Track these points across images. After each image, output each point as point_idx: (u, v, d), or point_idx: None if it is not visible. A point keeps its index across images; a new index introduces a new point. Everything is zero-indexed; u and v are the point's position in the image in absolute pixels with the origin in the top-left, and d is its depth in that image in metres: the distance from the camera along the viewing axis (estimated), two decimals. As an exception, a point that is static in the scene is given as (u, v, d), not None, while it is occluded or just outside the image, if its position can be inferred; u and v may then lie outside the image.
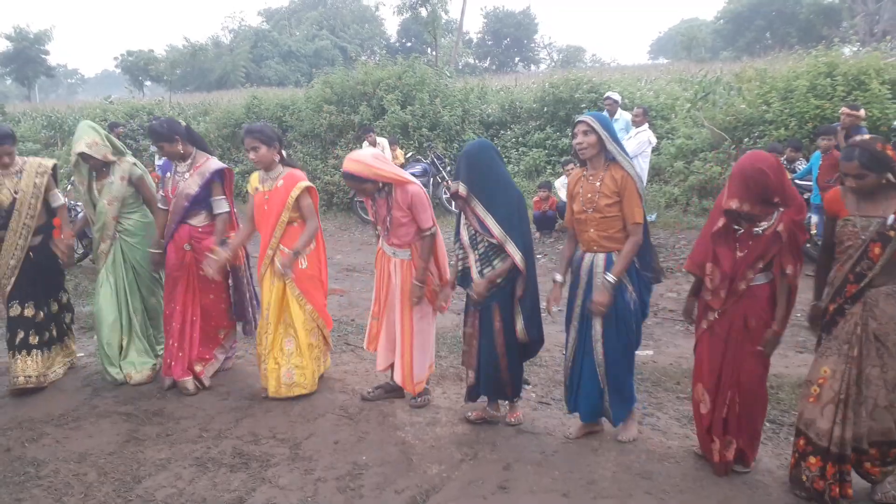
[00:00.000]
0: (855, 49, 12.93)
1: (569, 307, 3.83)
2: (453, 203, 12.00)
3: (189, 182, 4.45)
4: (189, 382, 4.52)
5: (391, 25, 57.15)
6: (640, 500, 3.23)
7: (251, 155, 4.23)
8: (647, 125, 8.78)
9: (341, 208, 12.51)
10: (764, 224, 3.20)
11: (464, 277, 4.01)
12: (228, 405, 4.35)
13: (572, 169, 9.53)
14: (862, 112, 7.26)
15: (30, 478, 3.52)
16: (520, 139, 12.99)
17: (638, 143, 8.37)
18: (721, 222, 3.25)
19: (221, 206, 4.50)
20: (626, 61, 48.15)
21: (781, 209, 3.18)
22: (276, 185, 4.22)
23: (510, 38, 52.06)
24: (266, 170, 4.30)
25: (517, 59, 52.77)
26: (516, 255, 3.73)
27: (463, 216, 3.96)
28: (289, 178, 4.21)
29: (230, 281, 4.70)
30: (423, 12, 22.04)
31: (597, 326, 3.64)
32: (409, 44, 49.50)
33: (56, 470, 3.59)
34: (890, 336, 3.00)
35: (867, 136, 3.21)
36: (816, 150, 7.09)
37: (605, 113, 9.43)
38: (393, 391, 4.44)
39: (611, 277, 3.53)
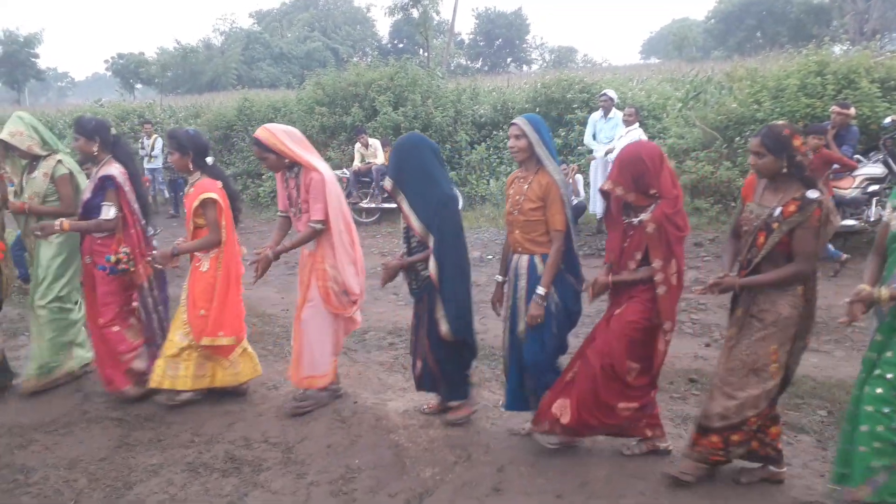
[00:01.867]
0: (845, 48, 12.97)
1: (504, 305, 3.88)
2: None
3: (86, 188, 4.42)
4: (130, 390, 4.42)
5: (383, 27, 57.24)
6: (634, 500, 3.23)
7: (168, 159, 4.23)
8: (637, 124, 8.79)
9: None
10: (642, 215, 3.32)
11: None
12: (220, 410, 4.32)
13: (566, 169, 9.55)
14: (852, 110, 7.29)
15: (19, 485, 3.49)
16: (512, 139, 12.97)
17: (629, 142, 8.38)
18: (606, 206, 3.39)
19: (107, 212, 4.32)
20: (617, 61, 48.28)
21: (659, 202, 3.29)
22: (189, 191, 4.30)
23: (502, 39, 52.13)
24: (186, 175, 4.36)
25: (509, 59, 52.86)
26: (431, 255, 3.79)
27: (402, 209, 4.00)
28: (198, 186, 4.23)
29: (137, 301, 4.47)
30: (415, 13, 22.05)
31: (520, 326, 3.70)
32: (400, 45, 49.49)
33: (46, 477, 3.56)
34: (766, 319, 3.10)
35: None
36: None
37: (600, 110, 9.47)
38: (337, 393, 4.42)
39: (541, 290, 3.56)
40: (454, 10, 26.98)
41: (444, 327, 3.85)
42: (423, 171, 3.87)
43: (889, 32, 37.54)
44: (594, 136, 9.61)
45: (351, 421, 4.11)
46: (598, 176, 9.19)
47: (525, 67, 50.82)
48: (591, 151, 9.79)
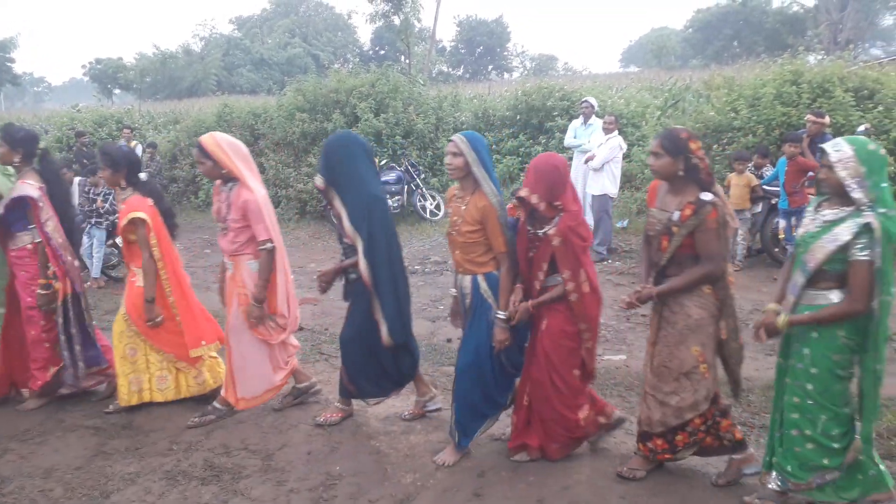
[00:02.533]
0: (820, 57, 13.19)
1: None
2: (427, 211, 12.09)
3: (1, 203, 4.31)
4: (31, 399, 4.46)
5: (364, 33, 57.40)
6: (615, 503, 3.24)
7: (99, 174, 4.24)
8: (617, 132, 8.87)
9: (314, 217, 12.43)
10: (547, 227, 3.37)
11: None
12: (199, 417, 4.28)
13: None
14: (827, 119, 7.41)
15: (-7, 495, 3.43)
16: (493, 147, 13.03)
17: (609, 150, 8.47)
18: (521, 214, 3.43)
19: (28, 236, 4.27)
20: (597, 69, 48.67)
21: (562, 214, 3.36)
22: (121, 207, 4.27)
23: (483, 47, 52.35)
24: (118, 190, 4.33)
25: (490, 67, 53.06)
26: (360, 255, 3.77)
27: (332, 211, 3.98)
28: (128, 203, 4.17)
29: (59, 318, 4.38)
30: (396, 20, 22.02)
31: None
32: (382, 52, 49.47)
33: (21, 486, 3.50)
34: (676, 325, 3.20)
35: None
36: (782, 156, 7.22)
37: (581, 117, 9.52)
38: (303, 393, 4.44)
39: (501, 315, 3.52)
40: (435, 18, 26.99)
41: (383, 330, 3.83)
42: (353, 171, 3.83)
43: (862, 42, 38.27)
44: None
45: (331, 428, 4.09)
46: (578, 183, 9.24)
47: (506, 75, 51.05)
48: (571, 158, 9.86)
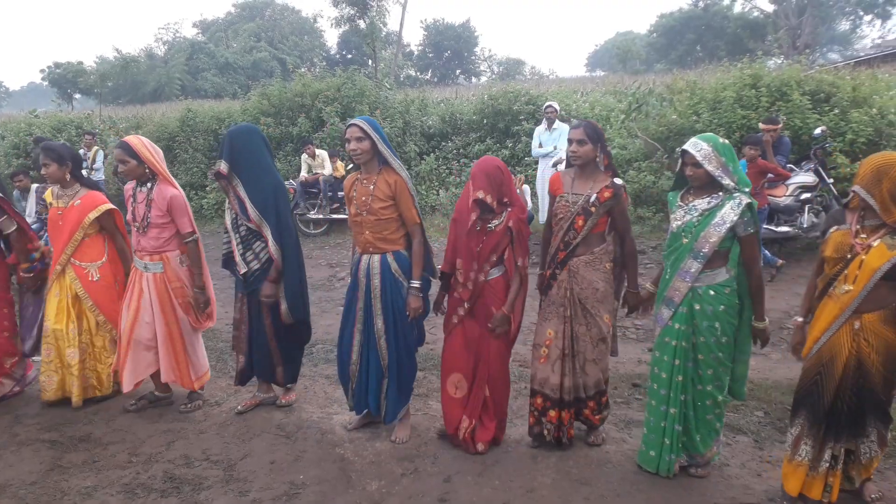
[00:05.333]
0: (779, 62, 13.48)
1: (348, 309, 3.94)
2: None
3: None
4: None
5: (331, 37, 56.93)
6: (579, 506, 3.25)
7: (42, 170, 4.32)
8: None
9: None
10: (496, 221, 3.60)
11: (227, 261, 4.26)
12: (160, 428, 4.20)
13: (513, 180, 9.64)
14: (780, 125, 7.55)
15: (-59, 514, 3.31)
16: (461, 150, 13.05)
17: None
18: (474, 215, 3.58)
19: None
20: (564, 73, 49.18)
21: (510, 209, 3.62)
22: (73, 203, 4.33)
23: (451, 51, 52.40)
24: (62, 187, 4.39)
25: (458, 71, 53.15)
26: (270, 239, 3.98)
27: (227, 199, 4.12)
28: (87, 198, 4.33)
29: (16, 308, 4.66)
30: (362, 24, 21.95)
31: (378, 323, 3.80)
32: (349, 56, 49.29)
33: (-29, 504, 3.39)
34: (589, 299, 3.57)
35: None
36: (742, 158, 7.35)
37: (544, 122, 9.58)
38: (158, 400, 4.55)
39: (415, 283, 3.74)
40: (401, 22, 26.91)
41: (283, 307, 4.05)
42: (257, 159, 4.05)
43: (820, 47, 39.25)
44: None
45: (296, 436, 4.04)
46: (545, 186, 9.30)
47: (474, 79, 51.21)
48: (537, 162, 9.92)
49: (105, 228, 4.41)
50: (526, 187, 9.67)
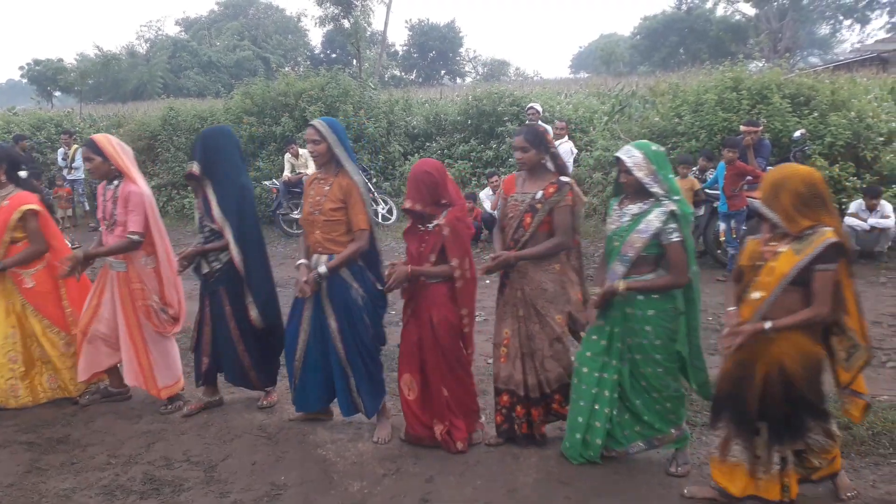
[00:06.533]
0: (760, 65, 13.62)
1: (294, 306, 3.98)
2: (379, 216, 12.02)
3: None
4: None
5: (315, 36, 56.68)
6: (560, 506, 3.27)
7: None
8: (567, 137, 8.98)
9: (264, 222, 12.18)
10: (435, 222, 3.64)
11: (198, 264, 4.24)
12: (140, 429, 4.17)
13: (497, 181, 9.67)
14: (760, 127, 7.63)
15: (-85, 517, 3.26)
16: (445, 151, 13.06)
17: (561, 154, 8.56)
18: (409, 222, 3.72)
19: None
20: (548, 75, 49.33)
21: (449, 208, 3.64)
22: (2, 204, 4.27)
23: (436, 51, 52.38)
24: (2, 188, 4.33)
25: (443, 71, 53.16)
26: (231, 242, 3.98)
27: (196, 200, 4.16)
28: (15, 199, 4.25)
29: None
30: (346, 24, 21.91)
31: (332, 324, 3.82)
32: (333, 55, 49.14)
33: (-54, 507, 3.34)
34: (538, 300, 3.62)
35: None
36: (721, 160, 7.42)
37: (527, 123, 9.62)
38: (112, 395, 4.54)
39: (322, 269, 3.74)
40: (386, 22, 26.95)
41: (253, 313, 4.04)
42: (230, 160, 4.09)
43: (801, 51, 39.74)
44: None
45: (277, 437, 4.02)
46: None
47: (459, 80, 51.24)
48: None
49: (28, 230, 4.22)
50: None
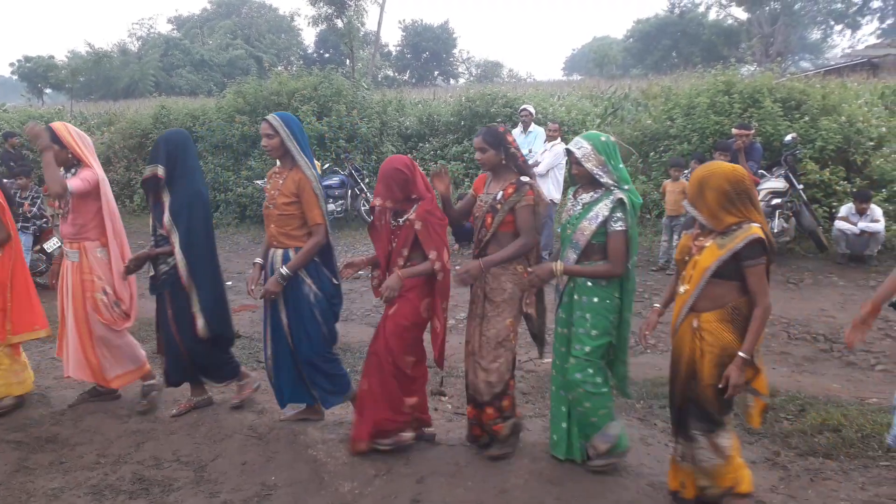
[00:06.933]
0: (752, 69, 13.70)
1: (264, 305, 4.00)
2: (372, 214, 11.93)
3: None
4: None
5: (308, 36, 56.61)
6: (551, 507, 3.27)
7: None
8: (560, 139, 8.99)
9: (254, 221, 12.21)
10: (406, 216, 3.65)
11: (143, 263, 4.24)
12: (129, 428, 4.13)
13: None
14: (752, 130, 7.67)
15: None
16: (438, 152, 13.06)
17: (554, 156, 8.57)
18: (371, 218, 3.76)
19: None
20: (541, 76, 49.46)
21: (419, 202, 3.64)
22: None
23: (429, 52, 52.42)
24: None
25: (436, 72, 53.17)
26: (176, 248, 3.96)
27: (148, 203, 4.20)
28: None
29: None
30: (340, 23, 21.88)
31: (283, 317, 3.86)
32: (326, 55, 49.06)
33: (-68, 506, 3.31)
34: (495, 299, 3.59)
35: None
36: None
37: (520, 125, 9.62)
38: (101, 395, 4.50)
39: (284, 270, 3.77)
40: (379, 22, 26.87)
41: (200, 323, 4.01)
42: (185, 166, 4.06)
43: (792, 55, 39.97)
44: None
45: (268, 437, 4.00)
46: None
47: (452, 81, 51.24)
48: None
49: None
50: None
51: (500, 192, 3.59)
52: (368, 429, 3.68)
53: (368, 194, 11.63)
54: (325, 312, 3.90)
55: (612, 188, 3.37)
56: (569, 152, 3.44)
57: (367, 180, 11.88)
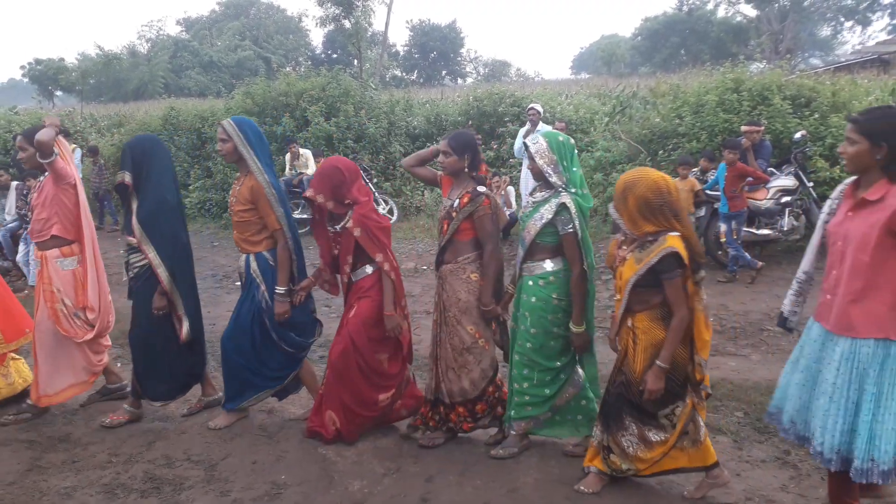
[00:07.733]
0: (762, 66, 13.62)
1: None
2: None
3: None
4: None
5: (316, 36, 56.66)
6: (560, 506, 3.27)
7: None
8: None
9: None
10: (342, 223, 3.69)
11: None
12: (140, 428, 4.17)
13: (498, 182, 9.65)
14: (762, 127, 7.63)
15: (-83, 515, 3.27)
16: (445, 151, 13.06)
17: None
18: (316, 215, 3.79)
19: None
20: (549, 75, 49.33)
21: (353, 208, 3.66)
22: None
23: (437, 52, 52.38)
24: None
25: (444, 72, 53.15)
26: (151, 254, 3.89)
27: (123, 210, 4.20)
28: None
29: None
30: (347, 24, 21.93)
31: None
32: (334, 55, 49.13)
33: (-53, 505, 3.35)
34: (451, 308, 3.64)
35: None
36: (722, 161, 7.43)
37: (528, 124, 9.62)
38: (112, 392, 4.55)
39: (280, 289, 3.81)
40: (387, 22, 26.95)
41: (185, 327, 4.02)
42: (155, 173, 3.98)
43: (802, 52, 39.72)
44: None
45: (278, 436, 4.02)
46: (529, 188, 9.33)
47: (460, 80, 51.21)
48: (521, 163, 9.96)
49: None
50: (510, 189, 9.69)
51: (457, 200, 3.60)
52: (323, 419, 3.79)
53: (377, 194, 11.65)
54: (273, 319, 3.89)
55: (560, 190, 3.37)
56: (525, 146, 3.46)
57: (374, 180, 11.89)
